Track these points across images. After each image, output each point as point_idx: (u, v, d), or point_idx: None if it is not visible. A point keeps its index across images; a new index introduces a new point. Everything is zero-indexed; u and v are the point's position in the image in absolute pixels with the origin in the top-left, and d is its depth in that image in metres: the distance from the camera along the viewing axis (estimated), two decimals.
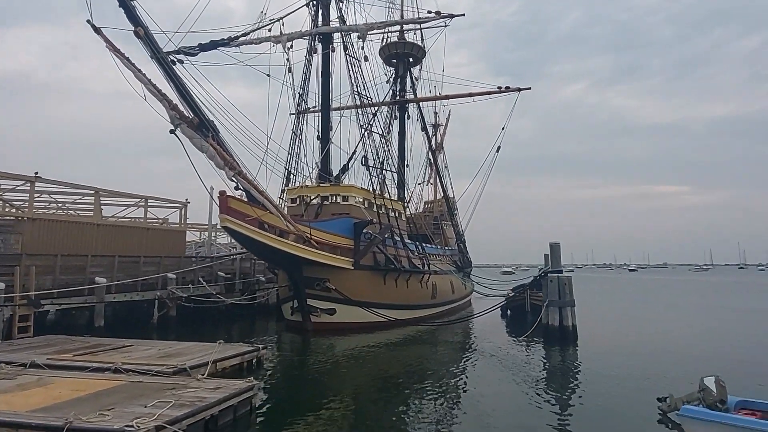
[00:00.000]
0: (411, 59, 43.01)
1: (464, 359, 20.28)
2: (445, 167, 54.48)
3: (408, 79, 43.57)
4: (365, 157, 28.32)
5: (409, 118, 43.55)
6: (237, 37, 22.60)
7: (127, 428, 8.43)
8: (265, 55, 25.91)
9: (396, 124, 43.04)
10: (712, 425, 9.67)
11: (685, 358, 19.89)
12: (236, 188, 19.44)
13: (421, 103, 44.47)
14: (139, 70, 17.93)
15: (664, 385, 14.37)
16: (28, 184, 23.36)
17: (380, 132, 31.18)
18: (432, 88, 45.52)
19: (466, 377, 16.73)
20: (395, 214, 30.00)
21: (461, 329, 28.97)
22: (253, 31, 24.50)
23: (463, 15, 31.19)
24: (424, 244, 33.55)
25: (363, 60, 29.06)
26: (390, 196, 29.87)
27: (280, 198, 28.96)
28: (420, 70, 44.51)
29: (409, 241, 30.82)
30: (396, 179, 33.31)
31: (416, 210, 50.92)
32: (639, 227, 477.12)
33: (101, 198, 29.39)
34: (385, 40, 42.08)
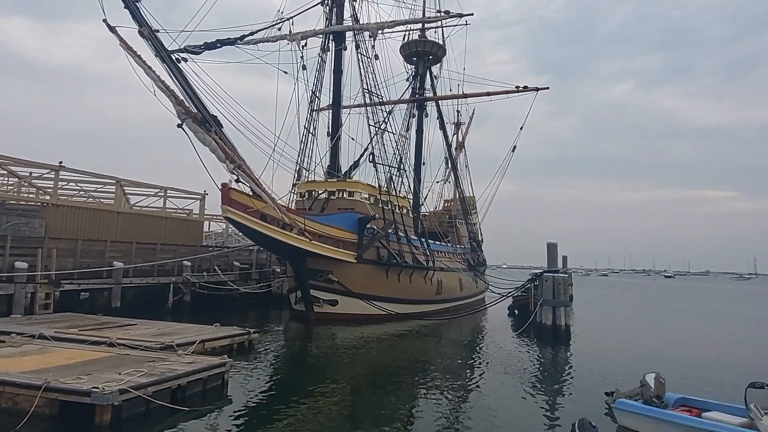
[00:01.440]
0: (431, 57, 43.48)
1: (456, 354, 20.93)
2: (466, 166, 54.91)
3: (428, 78, 44.06)
4: (372, 154, 29.15)
5: (427, 116, 44.10)
6: (244, 36, 23.62)
7: (94, 390, 9.50)
8: (275, 53, 26.96)
9: (414, 122, 43.61)
10: (640, 418, 10.14)
11: (670, 363, 19.96)
12: (237, 181, 20.54)
13: (440, 102, 44.94)
14: (149, 68, 19.18)
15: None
16: (53, 173, 25.05)
17: (392, 130, 31.88)
18: (455, 87, 45.87)
19: (454, 371, 17.21)
20: (401, 211, 30.69)
21: (463, 325, 29.54)
22: (260, 30, 25.55)
23: (472, 14, 31.62)
24: (430, 241, 34.17)
25: (374, 58, 29.84)
26: (397, 193, 30.59)
27: (290, 192, 30.08)
28: (440, 68, 44.97)
29: (414, 238, 31.47)
30: (407, 177, 33.93)
31: (436, 207, 51.49)
32: (681, 233, 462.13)
33: (125, 187, 31.25)
34: (405, 38, 42.74)
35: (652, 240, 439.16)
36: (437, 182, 47.69)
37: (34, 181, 26.33)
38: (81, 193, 31.04)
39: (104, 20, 18.60)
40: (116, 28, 18.94)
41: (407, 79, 43.29)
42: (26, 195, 27.65)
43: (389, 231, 28.25)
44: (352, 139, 31.73)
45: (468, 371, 17.26)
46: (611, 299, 60.93)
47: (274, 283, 35.66)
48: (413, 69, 43.54)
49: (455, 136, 54.60)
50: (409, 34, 42.68)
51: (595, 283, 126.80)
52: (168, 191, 32.32)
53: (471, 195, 54.18)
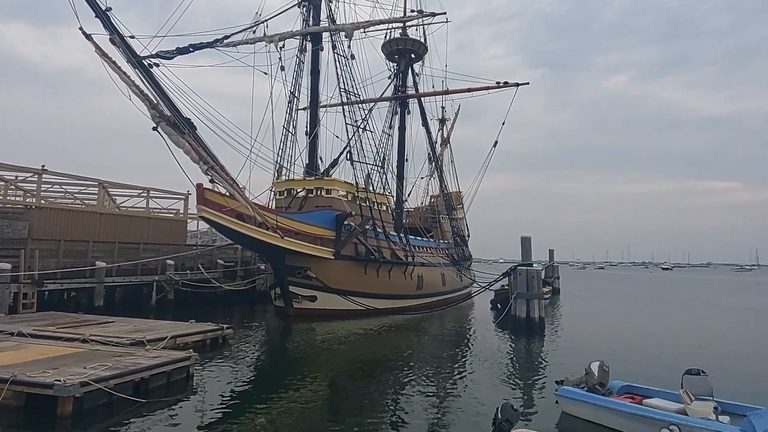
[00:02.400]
0: (413, 55, 44.03)
1: (432, 348, 21.47)
2: (451, 162, 55.52)
3: (410, 75, 44.61)
4: (349, 152, 29.72)
5: (409, 113, 44.59)
6: (218, 40, 24.06)
7: (56, 382, 10.11)
8: (254, 54, 27.48)
9: (397, 119, 44.17)
10: (582, 404, 10.77)
11: (634, 352, 20.62)
12: (211, 181, 21.12)
13: (423, 99, 45.48)
14: (124, 73, 19.70)
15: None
16: (36, 176, 25.59)
17: (371, 128, 32.44)
18: (439, 83, 46.38)
19: (426, 364, 17.61)
20: (380, 207, 31.30)
21: (445, 319, 30.21)
22: (236, 33, 26.05)
23: (444, 13, 32.19)
24: (411, 237, 34.79)
25: (350, 58, 30.38)
26: (374, 190, 31.20)
27: (270, 190, 30.69)
28: (422, 65, 45.50)
29: (393, 233, 32.09)
30: (386, 173, 34.52)
31: (422, 203, 52.11)
32: (682, 225, 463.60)
33: (109, 189, 31.79)
34: (387, 36, 43.27)
35: (651, 232, 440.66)
36: (422, 178, 48.24)
37: (19, 184, 26.85)
38: (66, 195, 31.52)
39: (80, 28, 19.07)
40: (92, 36, 19.50)
41: (389, 77, 43.80)
42: (12, 198, 28.12)
43: (366, 227, 28.86)
44: (336, 137, 32.10)
45: (438, 364, 17.72)
46: (601, 292, 61.79)
47: (258, 280, 36.24)
48: (395, 67, 44.06)
49: (440, 132, 55.21)
50: (390, 33, 43.26)
51: (590, 276, 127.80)
52: (151, 192, 32.83)
53: (457, 190, 54.91)
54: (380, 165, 32.22)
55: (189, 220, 37.98)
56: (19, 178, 27.49)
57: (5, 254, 22.45)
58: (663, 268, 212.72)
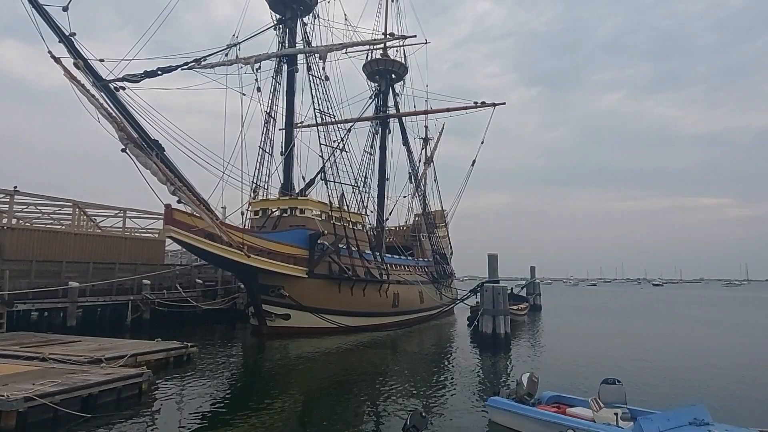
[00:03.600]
0: (393, 75, 44.88)
1: (399, 363, 21.91)
2: (435, 180, 56.13)
3: (390, 95, 45.34)
4: (324, 172, 30.18)
5: (390, 132, 45.23)
6: (187, 63, 24.38)
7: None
8: (231, 76, 28.06)
9: (378, 138, 44.76)
10: (506, 414, 11.14)
11: (590, 367, 20.89)
12: (178, 202, 21.44)
13: (404, 119, 46.18)
14: (93, 96, 20.14)
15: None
16: (8, 198, 25.86)
17: (347, 148, 32.94)
18: (422, 103, 47.03)
19: (388, 379, 17.91)
20: (354, 227, 31.65)
21: (422, 336, 30.52)
22: (211, 55, 26.61)
23: (414, 36, 33.09)
24: (388, 255, 35.09)
25: (324, 79, 31.03)
26: (348, 209, 31.57)
27: (247, 210, 30.99)
28: (403, 85, 46.27)
29: (368, 252, 32.41)
30: (362, 193, 34.95)
31: (406, 221, 52.44)
32: (675, 241, 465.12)
33: (87, 210, 32.07)
34: (368, 57, 44.13)
35: (644, 249, 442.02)
36: (404, 197, 48.64)
37: None
38: (43, 215, 31.75)
39: (49, 52, 19.58)
40: (61, 59, 19.98)
41: (370, 97, 44.52)
42: None
43: (340, 246, 29.17)
44: (320, 156, 32.38)
45: (399, 380, 17.84)
46: (581, 308, 62.10)
47: (238, 299, 36.30)
48: (376, 87, 44.83)
49: (423, 151, 55.88)
50: (371, 53, 44.14)
51: (580, 292, 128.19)
52: (128, 212, 33.09)
53: (440, 209, 55.44)
54: (356, 185, 32.55)
55: (169, 241, 38.20)
56: None
57: None
58: (654, 284, 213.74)
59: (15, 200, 26.46)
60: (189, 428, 11.70)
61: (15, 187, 25.72)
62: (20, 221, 31.56)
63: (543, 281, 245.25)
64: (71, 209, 29.90)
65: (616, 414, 9.67)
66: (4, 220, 26.46)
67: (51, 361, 15.08)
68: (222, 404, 14.15)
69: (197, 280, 35.33)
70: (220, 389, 16.12)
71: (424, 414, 8.45)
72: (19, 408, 10.38)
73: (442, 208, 54.80)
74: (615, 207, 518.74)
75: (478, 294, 27.34)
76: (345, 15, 34.32)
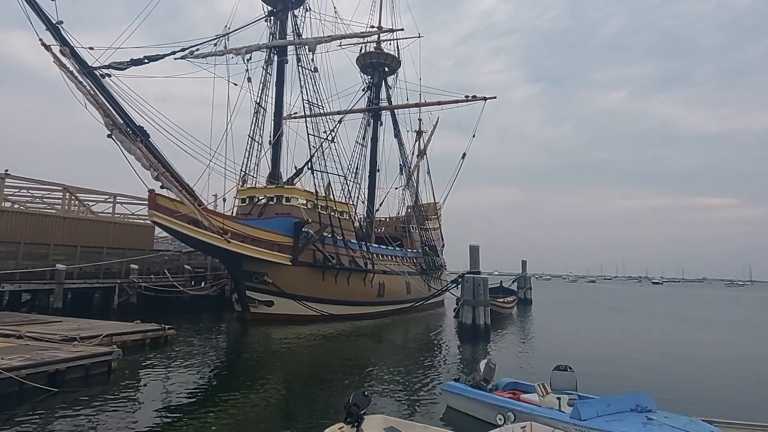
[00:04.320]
0: (386, 68, 45.11)
1: (376, 352, 22.25)
2: (427, 173, 56.35)
3: (383, 88, 45.56)
4: (311, 162, 30.51)
5: (382, 125, 45.54)
6: (175, 52, 24.65)
7: None
8: (214, 66, 28.41)
9: (370, 130, 45.02)
10: (459, 398, 11.51)
11: (563, 357, 21.27)
12: (162, 187, 21.82)
13: (397, 111, 46.43)
14: (81, 83, 20.49)
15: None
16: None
17: (336, 139, 33.22)
18: (417, 97, 47.13)
19: (361, 367, 18.20)
20: (340, 216, 32.00)
21: (406, 326, 30.93)
22: (203, 43, 27.02)
23: (402, 29, 33.34)
24: (374, 245, 35.46)
25: (313, 71, 31.30)
26: (334, 199, 31.91)
27: (235, 197, 31.38)
28: (396, 79, 46.47)
29: (353, 241, 32.75)
30: (349, 183, 35.26)
31: (398, 213, 52.72)
32: (677, 241, 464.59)
33: (80, 195, 32.47)
34: (362, 50, 44.36)
35: (646, 248, 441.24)
36: (396, 188, 48.90)
37: None
38: (35, 200, 32.15)
39: (40, 39, 19.92)
40: (51, 47, 20.29)
41: (363, 89, 44.78)
42: None
43: (325, 234, 29.54)
44: (312, 145, 32.44)
45: (373, 368, 18.25)
46: (574, 303, 62.62)
47: (227, 286, 36.70)
48: (369, 79, 45.08)
49: (416, 143, 56.12)
50: (365, 47, 44.36)
51: (577, 288, 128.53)
52: (118, 197, 33.48)
53: (433, 201, 55.71)
54: (343, 175, 32.90)
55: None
56: None
57: None
58: (653, 283, 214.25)
59: (5, 183, 26.81)
60: (154, 404, 12.01)
61: (6, 170, 26.10)
62: (14, 205, 32.09)
63: (542, 277, 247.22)
64: (61, 193, 30.24)
65: (559, 399, 10.01)
66: None
67: (26, 339, 15.49)
68: (192, 384, 14.43)
69: (186, 266, 35.74)
70: (194, 370, 16.41)
71: (366, 393, 8.77)
72: None
73: (434, 200, 55.08)
74: (618, 205, 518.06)
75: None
76: (335, 8, 34.63)
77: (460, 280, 27.29)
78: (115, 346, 14.82)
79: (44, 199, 31.94)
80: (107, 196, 33.30)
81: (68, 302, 28.46)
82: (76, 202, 32.92)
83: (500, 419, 10.02)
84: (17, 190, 30.59)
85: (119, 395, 12.61)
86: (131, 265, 30.60)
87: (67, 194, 30.49)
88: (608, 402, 9.42)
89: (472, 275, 26.02)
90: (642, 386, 15.22)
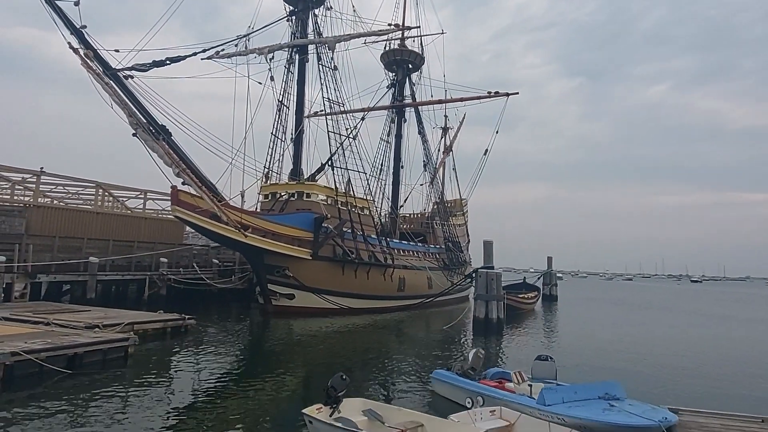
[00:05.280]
0: (410, 66, 45.45)
1: (391, 344, 22.84)
2: (453, 169, 56.42)
3: (407, 85, 45.87)
4: (331, 159, 31.20)
5: (406, 121, 45.88)
6: (196, 53, 25.41)
7: None
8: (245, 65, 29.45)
9: (394, 127, 45.43)
10: (444, 385, 11.92)
11: (570, 353, 21.33)
12: (183, 183, 22.82)
13: (420, 108, 46.67)
14: (107, 84, 21.61)
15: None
16: (35, 177, 27.83)
17: (358, 135, 33.80)
18: (441, 93, 47.32)
19: (375, 358, 18.70)
20: (360, 211, 32.56)
21: (425, 319, 31.36)
22: (226, 43, 28.07)
23: (418, 27, 33.73)
24: (395, 241, 35.91)
25: (333, 69, 31.99)
26: (354, 195, 32.49)
27: (258, 193, 32.35)
28: (420, 75, 46.69)
29: (373, 237, 33.24)
30: (369, 179, 35.72)
31: (424, 209, 52.92)
32: (719, 237, 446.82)
33: (112, 191, 34.04)
34: (386, 47, 44.76)
35: (687, 245, 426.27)
36: (421, 185, 49.16)
37: (18, 186, 29.17)
38: (70, 195, 33.84)
39: (68, 43, 21.13)
40: (79, 50, 21.46)
41: (387, 87, 45.19)
42: (17, 197, 30.48)
43: (345, 230, 30.15)
44: (337, 143, 32.90)
45: (385, 357, 18.82)
46: (602, 300, 61.77)
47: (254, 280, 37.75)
48: (393, 76, 45.45)
49: (442, 140, 56.23)
50: (389, 44, 44.74)
51: (611, 286, 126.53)
52: (148, 193, 34.91)
53: (459, 197, 55.79)
54: (364, 171, 33.44)
55: None
56: (24, 178, 29.80)
57: (2, 248, 24.55)
58: (692, 281, 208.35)
59: (41, 180, 28.38)
60: (166, 388, 12.79)
61: (41, 168, 27.66)
62: (53, 200, 33.91)
63: (578, 274, 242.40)
64: (94, 189, 31.76)
65: (531, 386, 10.32)
66: (30, 198, 28.47)
67: (53, 326, 16.58)
68: (206, 370, 15.15)
69: (214, 260, 36.97)
70: (209, 357, 17.24)
71: (344, 377, 9.25)
72: (5, 361, 11.74)
73: (460, 196, 55.14)
74: (657, 201, 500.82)
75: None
76: (353, 6, 35.13)
77: (474, 275, 27.40)
78: (132, 333, 15.67)
79: (80, 195, 33.56)
80: (138, 193, 34.75)
81: (101, 293, 30.01)
82: (110, 198, 34.49)
83: (469, 402, 10.46)
84: (54, 187, 32.24)
85: (134, 378, 13.45)
86: (161, 259, 31.87)
87: (100, 191, 31.95)
88: (576, 389, 9.72)
89: (485, 270, 26.16)
90: (631, 377, 15.49)
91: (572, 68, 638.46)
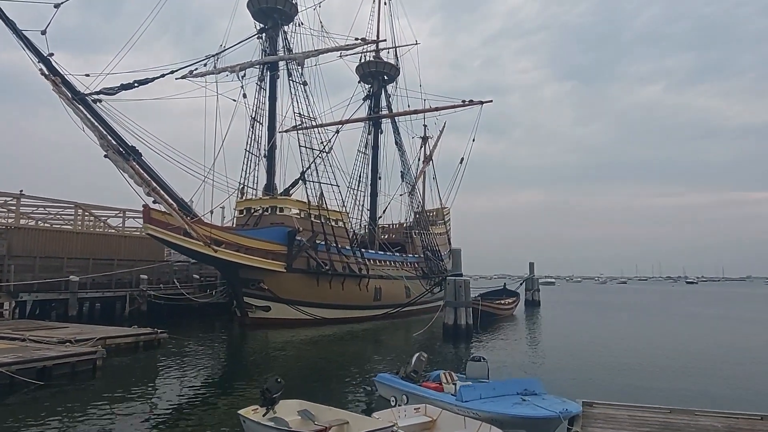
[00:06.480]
0: (386, 77, 46.59)
1: (361, 351, 23.80)
2: (433, 178, 57.42)
3: (383, 96, 46.94)
4: (303, 173, 32.24)
5: (382, 132, 46.93)
6: (164, 75, 26.44)
7: None
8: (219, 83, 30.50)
9: (371, 138, 46.43)
10: (385, 387, 12.81)
11: (534, 357, 22.32)
12: (154, 202, 23.76)
13: (397, 118, 47.73)
14: (78, 108, 22.58)
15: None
16: (15, 200, 28.68)
17: (327, 149, 34.77)
18: (419, 103, 48.26)
19: (338, 362, 19.83)
20: (334, 224, 33.54)
21: (400, 328, 32.15)
22: (198, 62, 29.20)
23: (384, 40, 34.84)
24: (370, 251, 36.90)
25: (303, 85, 33.14)
26: (327, 207, 33.44)
27: (234, 209, 33.33)
28: (396, 86, 47.75)
29: (347, 248, 34.16)
30: (341, 191, 36.55)
31: (406, 219, 53.75)
32: (718, 238, 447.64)
33: (93, 211, 34.86)
34: (361, 59, 45.89)
35: (685, 246, 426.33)
36: (400, 195, 49.98)
37: (8, 207, 29.99)
38: (51, 216, 34.64)
39: (40, 70, 22.10)
40: (50, 76, 22.42)
41: (363, 98, 46.23)
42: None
43: (318, 242, 31.10)
44: (310, 157, 33.71)
45: (357, 365, 19.52)
46: (586, 304, 62.84)
47: None
48: (369, 88, 46.53)
49: (422, 149, 57.26)
50: (364, 56, 45.89)
51: (603, 290, 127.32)
52: (126, 212, 35.75)
53: (440, 206, 56.81)
54: (336, 185, 34.42)
55: None
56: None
57: None
58: (687, 282, 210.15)
59: (21, 202, 29.22)
60: (131, 397, 13.63)
61: (21, 191, 28.51)
62: (36, 222, 34.71)
63: (572, 279, 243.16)
64: (73, 210, 32.60)
65: (455, 384, 11.26)
66: (12, 220, 29.28)
67: (28, 342, 17.40)
68: (175, 382, 15.86)
69: (195, 275, 37.80)
70: (179, 370, 17.97)
71: (279, 380, 10.13)
72: None
73: (441, 205, 56.16)
74: (654, 203, 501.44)
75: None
76: (321, 23, 36.34)
77: (442, 282, 28.35)
78: (101, 347, 16.53)
79: (60, 216, 34.37)
80: (117, 212, 35.58)
81: (87, 311, 30.84)
82: (91, 217, 35.31)
83: (393, 401, 11.36)
84: (36, 208, 33.05)
85: (101, 389, 14.32)
86: (141, 275, 32.69)
87: (80, 211, 32.78)
88: (494, 386, 10.66)
89: (453, 277, 27.12)
90: (572, 375, 16.62)
91: (565, 71, 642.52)
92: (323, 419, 9.59)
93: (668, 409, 10.55)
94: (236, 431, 10.09)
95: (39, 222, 33.71)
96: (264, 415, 9.63)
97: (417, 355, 13.41)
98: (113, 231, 36.16)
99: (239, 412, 9.66)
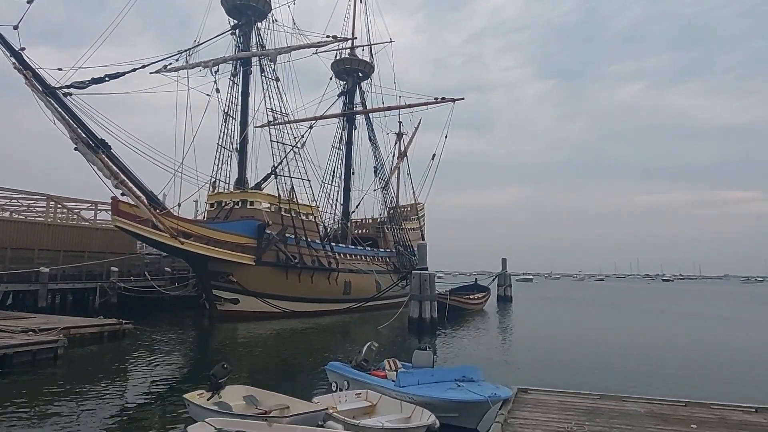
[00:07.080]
0: (360, 74, 47.15)
1: (329, 344, 24.20)
2: (408, 174, 58.13)
3: (357, 93, 47.51)
4: (274, 167, 32.73)
5: (356, 129, 47.51)
6: (135, 69, 26.84)
7: None
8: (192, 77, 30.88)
9: (345, 134, 47.01)
10: (333, 374, 13.45)
11: (490, 350, 23.22)
12: (122, 194, 24.11)
13: (371, 115, 48.33)
14: (50, 101, 22.79)
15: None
16: None
17: (300, 144, 35.27)
18: (393, 100, 48.77)
19: (304, 352, 20.34)
20: (304, 218, 34.09)
21: (368, 321, 32.64)
22: (170, 57, 29.51)
23: (356, 38, 35.44)
24: (341, 245, 37.54)
25: (275, 80, 33.65)
26: (297, 201, 33.97)
27: (206, 203, 33.73)
28: (371, 83, 48.33)
29: (317, 242, 34.77)
30: (311, 186, 37.06)
31: (380, 214, 54.39)
32: (696, 236, 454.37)
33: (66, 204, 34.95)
34: (337, 56, 46.38)
35: (664, 245, 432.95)
36: (374, 190, 50.60)
37: None
38: (23, 208, 34.66)
39: (12, 63, 22.28)
40: (23, 71, 22.59)
41: (338, 95, 46.74)
42: None
43: (288, 235, 31.64)
44: (281, 152, 34.02)
45: (318, 355, 19.87)
46: (558, 300, 64.36)
47: None
48: (344, 85, 47.05)
49: (397, 145, 57.89)
50: (340, 53, 46.38)
51: (579, 286, 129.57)
52: (99, 204, 35.88)
53: (414, 202, 57.53)
54: (308, 179, 34.90)
55: None
56: None
57: None
58: (663, 280, 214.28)
59: None
60: (91, 385, 13.99)
61: None
62: (10, 213, 34.67)
63: (551, 276, 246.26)
64: (45, 202, 32.70)
65: (396, 371, 11.96)
66: None
67: None
68: (137, 371, 16.30)
69: (166, 268, 38.04)
70: (141, 359, 18.44)
71: (225, 366, 10.76)
72: None
73: (415, 201, 56.86)
74: (635, 201, 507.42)
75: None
76: (294, 21, 36.82)
77: (408, 275, 29.09)
78: (62, 335, 16.95)
79: (33, 208, 34.40)
80: (89, 204, 35.70)
81: (55, 302, 30.98)
82: (64, 210, 35.37)
83: (334, 386, 12.03)
84: (8, 201, 33.05)
85: (61, 377, 14.75)
86: (111, 268, 32.88)
87: (52, 203, 32.88)
88: (432, 373, 11.37)
89: (419, 271, 27.88)
90: (520, 363, 17.49)
91: (547, 70, 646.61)
92: (266, 404, 10.20)
93: (598, 395, 11.15)
94: (184, 416, 10.58)
95: (12, 213, 33.67)
96: (209, 399, 10.23)
97: (368, 344, 14.05)
98: (86, 223, 36.21)
99: (185, 396, 10.23)
